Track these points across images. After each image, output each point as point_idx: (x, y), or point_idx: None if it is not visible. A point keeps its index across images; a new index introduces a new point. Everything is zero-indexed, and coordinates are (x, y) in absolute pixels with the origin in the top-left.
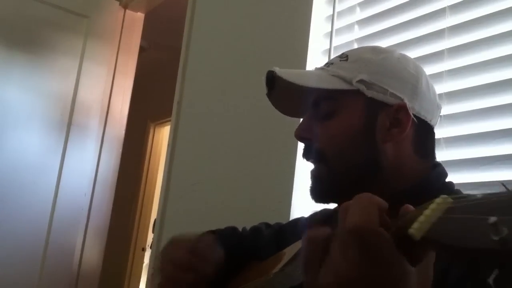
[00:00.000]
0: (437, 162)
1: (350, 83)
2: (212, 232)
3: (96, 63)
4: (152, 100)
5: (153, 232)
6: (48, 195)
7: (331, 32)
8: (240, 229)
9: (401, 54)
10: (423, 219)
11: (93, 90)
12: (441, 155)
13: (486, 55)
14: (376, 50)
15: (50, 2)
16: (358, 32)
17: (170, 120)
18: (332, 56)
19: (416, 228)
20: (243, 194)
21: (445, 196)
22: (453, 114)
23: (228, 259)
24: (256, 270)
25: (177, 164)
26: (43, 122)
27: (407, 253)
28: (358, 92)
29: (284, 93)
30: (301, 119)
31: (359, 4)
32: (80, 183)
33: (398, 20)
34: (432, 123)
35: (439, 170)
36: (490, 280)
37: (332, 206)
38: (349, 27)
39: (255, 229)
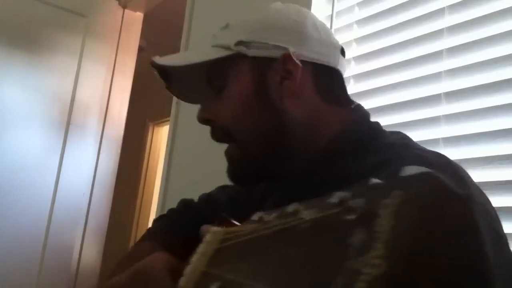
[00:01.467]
0: (355, 105)
1: (228, 48)
2: (165, 216)
3: (95, 63)
4: (151, 99)
5: None
6: (46, 194)
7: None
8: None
9: (282, 4)
10: (189, 271)
11: (92, 89)
12: None
13: (485, 55)
14: (256, 9)
15: (49, 1)
16: (357, 32)
17: (169, 120)
18: None
19: (183, 286)
20: None
21: (216, 229)
22: (452, 114)
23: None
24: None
25: (176, 163)
26: (41, 121)
27: None
28: (241, 56)
29: (181, 82)
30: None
31: (358, 4)
32: (79, 183)
33: (397, 19)
34: (331, 64)
35: (356, 115)
36: None
37: None
38: (348, 26)
39: (210, 196)
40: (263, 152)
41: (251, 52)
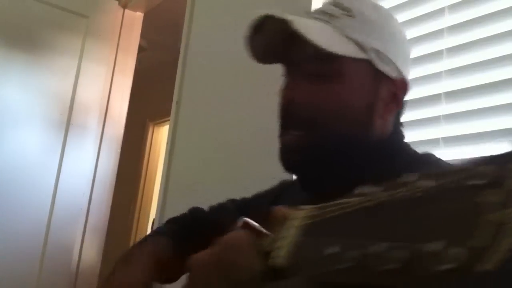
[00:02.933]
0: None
1: (364, 50)
2: (173, 220)
3: (95, 63)
4: (151, 99)
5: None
6: (46, 194)
7: None
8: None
9: (392, 14)
10: (281, 244)
11: (92, 89)
12: (440, 154)
13: (485, 54)
14: (376, 8)
15: (49, 1)
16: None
17: (169, 120)
18: None
19: (275, 257)
20: (242, 194)
21: (305, 207)
22: (452, 114)
23: (186, 240)
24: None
25: (176, 163)
26: (42, 121)
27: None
28: (367, 61)
29: (268, 40)
30: (286, 78)
31: None
32: (79, 183)
33: (397, 19)
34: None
35: (395, 138)
36: None
37: None
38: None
39: (221, 205)
40: (336, 154)
41: (378, 65)
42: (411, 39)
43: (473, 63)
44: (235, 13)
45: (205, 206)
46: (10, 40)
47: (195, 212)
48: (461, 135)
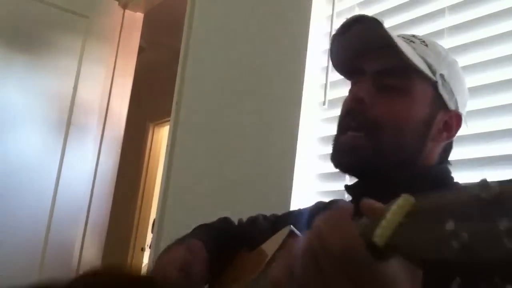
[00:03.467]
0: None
1: (434, 72)
2: (206, 225)
3: (95, 63)
4: (151, 100)
5: (152, 232)
6: (47, 194)
7: (331, 32)
8: (237, 221)
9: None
10: (385, 224)
11: (92, 90)
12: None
13: (485, 55)
14: (446, 50)
15: (49, 2)
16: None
17: (169, 120)
18: None
19: (379, 235)
20: (243, 194)
21: (406, 196)
22: None
23: (219, 249)
24: (243, 264)
25: (176, 164)
26: (42, 122)
27: (378, 258)
28: (431, 83)
29: (352, 43)
30: (357, 81)
31: (359, 4)
32: (79, 183)
33: (398, 20)
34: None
35: (441, 168)
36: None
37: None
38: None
39: (252, 219)
40: (390, 164)
41: (441, 90)
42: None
43: (474, 64)
44: (235, 14)
45: (205, 206)
46: (10, 41)
47: (227, 223)
48: (461, 135)
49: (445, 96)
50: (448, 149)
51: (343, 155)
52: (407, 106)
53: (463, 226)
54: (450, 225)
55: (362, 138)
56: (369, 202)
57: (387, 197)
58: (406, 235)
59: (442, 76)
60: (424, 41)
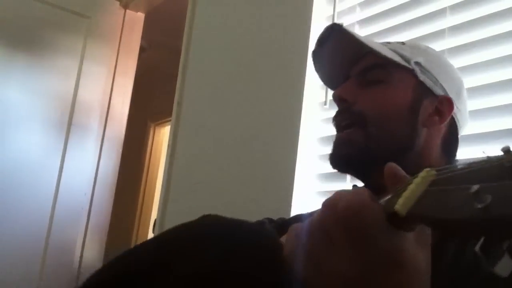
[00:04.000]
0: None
1: (408, 61)
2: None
3: (96, 63)
4: (152, 100)
5: (153, 232)
6: (48, 195)
7: None
8: None
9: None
10: (408, 194)
11: (93, 90)
12: None
13: (486, 55)
14: (428, 47)
15: (50, 2)
16: (359, 32)
17: (170, 120)
18: None
19: (401, 204)
20: (243, 195)
21: (428, 169)
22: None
23: None
24: None
25: (177, 164)
26: (43, 122)
27: (398, 229)
28: (411, 72)
29: (331, 54)
30: (342, 84)
31: (360, 4)
32: (80, 183)
33: (399, 20)
34: (460, 130)
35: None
36: (477, 248)
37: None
38: (350, 27)
39: (259, 223)
40: (385, 151)
41: (422, 77)
42: (412, 40)
43: (475, 64)
44: (236, 13)
45: (206, 206)
46: (12, 41)
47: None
48: (462, 135)
49: (428, 82)
50: (450, 141)
51: (339, 150)
52: (388, 95)
53: (486, 187)
54: (473, 188)
55: (353, 132)
56: (393, 166)
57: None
58: (430, 202)
59: (418, 63)
60: (403, 42)
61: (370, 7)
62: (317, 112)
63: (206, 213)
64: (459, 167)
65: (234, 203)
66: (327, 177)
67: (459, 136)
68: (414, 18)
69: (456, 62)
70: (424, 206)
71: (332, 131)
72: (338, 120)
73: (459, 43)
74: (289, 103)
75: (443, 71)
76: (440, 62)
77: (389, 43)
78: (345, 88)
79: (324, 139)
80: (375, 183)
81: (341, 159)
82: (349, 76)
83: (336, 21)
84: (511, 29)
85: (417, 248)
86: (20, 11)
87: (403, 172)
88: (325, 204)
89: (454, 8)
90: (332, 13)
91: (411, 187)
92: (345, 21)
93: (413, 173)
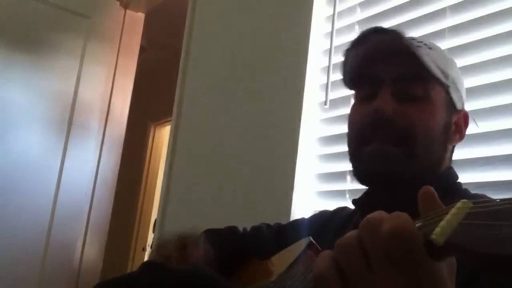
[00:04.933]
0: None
1: (446, 77)
2: (211, 230)
3: (96, 63)
4: (152, 100)
5: (153, 232)
6: (48, 195)
7: (332, 32)
8: (241, 229)
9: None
10: (444, 224)
11: (93, 90)
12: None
13: (486, 55)
14: (446, 53)
15: (50, 2)
16: (359, 32)
17: (170, 121)
18: (333, 57)
19: (438, 234)
20: (244, 195)
21: (465, 200)
22: None
23: (227, 257)
24: (255, 271)
25: (177, 164)
26: (43, 122)
27: (431, 257)
28: (444, 87)
29: (369, 52)
30: (379, 94)
31: (360, 4)
32: (80, 183)
33: (399, 20)
34: None
35: (453, 171)
36: None
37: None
38: (350, 27)
39: (256, 229)
40: (420, 170)
41: (454, 95)
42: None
43: (475, 64)
44: (236, 13)
45: (206, 206)
46: (12, 41)
47: (234, 233)
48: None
49: (455, 98)
50: (453, 149)
51: (373, 165)
52: (430, 113)
53: None
54: (510, 223)
55: (394, 148)
56: (431, 190)
57: (401, 205)
58: (467, 234)
59: (452, 79)
60: (426, 44)
61: (370, 7)
62: (317, 112)
63: (206, 212)
64: (495, 202)
65: (234, 203)
66: (327, 177)
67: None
68: (414, 18)
69: (456, 62)
70: (461, 238)
71: (331, 131)
72: (371, 131)
73: (459, 43)
74: (289, 103)
75: (461, 83)
76: (458, 73)
77: (419, 45)
78: (383, 100)
79: (324, 139)
80: (388, 198)
81: (375, 175)
82: (381, 79)
83: (336, 21)
84: (511, 29)
85: (450, 277)
86: (20, 11)
87: (438, 199)
88: (365, 225)
89: (454, 8)
90: (332, 13)
91: (448, 217)
92: (345, 21)
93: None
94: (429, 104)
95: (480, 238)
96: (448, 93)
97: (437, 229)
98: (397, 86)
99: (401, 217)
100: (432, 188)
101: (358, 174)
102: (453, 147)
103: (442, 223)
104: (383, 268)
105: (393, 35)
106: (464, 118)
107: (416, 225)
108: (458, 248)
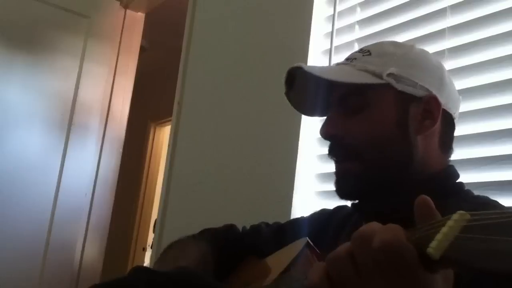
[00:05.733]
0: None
1: (380, 77)
2: (209, 230)
3: (96, 63)
4: (152, 100)
5: (153, 232)
6: (48, 195)
7: (332, 32)
8: (240, 228)
9: (420, 48)
10: (441, 237)
11: (93, 90)
12: None
13: (486, 55)
14: (397, 44)
15: (50, 2)
16: (359, 32)
17: (170, 120)
18: (333, 57)
19: (434, 247)
20: (244, 194)
21: (462, 212)
22: None
23: (225, 257)
24: (251, 271)
25: (177, 164)
26: (43, 122)
27: (426, 269)
28: (387, 86)
29: (304, 91)
30: (325, 118)
31: (360, 4)
32: (80, 183)
33: (399, 20)
34: (455, 115)
35: (452, 170)
36: None
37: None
38: (350, 27)
39: (255, 227)
40: (388, 175)
41: (400, 86)
42: (412, 40)
43: (475, 64)
44: (236, 14)
45: (206, 206)
46: (12, 41)
47: (233, 232)
48: (462, 135)
49: (407, 88)
50: (446, 135)
51: (340, 185)
52: (373, 119)
53: None
54: (507, 239)
55: (349, 164)
56: (426, 200)
57: (392, 210)
58: (464, 248)
59: (391, 74)
60: (368, 51)
61: (370, 7)
62: None
63: (207, 212)
64: (492, 215)
65: (234, 203)
66: (327, 177)
67: (455, 120)
68: (414, 18)
69: (456, 62)
70: (458, 252)
71: None
72: (332, 155)
73: (459, 43)
74: (289, 103)
75: (418, 69)
76: (411, 61)
77: (354, 58)
78: (330, 122)
79: (323, 139)
80: (384, 207)
81: (345, 193)
82: (330, 104)
83: (336, 21)
84: (511, 29)
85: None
86: (20, 11)
87: (434, 209)
88: (357, 237)
89: (454, 8)
90: (332, 13)
91: (444, 230)
92: (345, 21)
93: (419, 183)
94: (370, 110)
95: (476, 253)
96: (395, 89)
97: (434, 242)
98: (340, 106)
99: (392, 230)
100: (428, 198)
101: (337, 193)
102: (446, 131)
103: (439, 236)
104: (375, 281)
105: (310, 75)
106: (432, 101)
107: (415, 235)
108: (454, 262)
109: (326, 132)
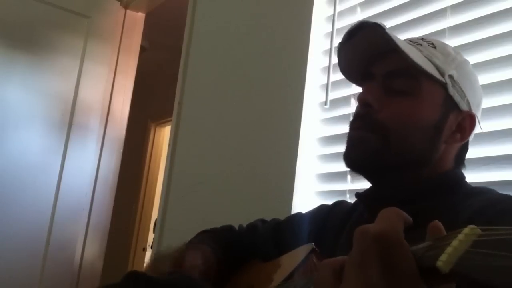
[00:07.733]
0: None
1: (442, 74)
2: (208, 231)
3: (96, 63)
4: (152, 100)
5: (154, 232)
6: (49, 195)
7: (332, 32)
8: (237, 227)
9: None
10: (451, 251)
11: (93, 90)
12: None
13: (486, 55)
14: (456, 50)
15: (50, 2)
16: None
17: (171, 120)
18: (333, 57)
19: (444, 261)
20: (244, 194)
21: (473, 226)
22: None
23: (226, 257)
24: (255, 275)
25: (178, 164)
26: (43, 122)
27: (429, 282)
28: (442, 85)
29: (358, 50)
30: (365, 85)
31: (360, 4)
32: (80, 183)
33: (399, 20)
34: (471, 138)
35: (456, 173)
36: None
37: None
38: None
39: (252, 226)
40: (400, 165)
41: (452, 91)
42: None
43: (475, 64)
44: (236, 13)
45: (206, 206)
46: (12, 41)
47: (232, 232)
48: None
49: (456, 97)
50: (464, 150)
51: (353, 149)
52: (415, 109)
53: None
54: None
55: (369, 135)
56: (439, 225)
57: (399, 203)
58: (472, 263)
59: (451, 77)
60: (432, 43)
61: (370, 7)
62: (317, 112)
63: (207, 212)
64: (504, 230)
65: (234, 203)
66: (327, 177)
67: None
68: (415, 18)
69: None
70: (468, 267)
71: (331, 131)
72: (356, 123)
73: (459, 43)
74: (289, 103)
75: (469, 83)
76: (466, 73)
77: (420, 44)
78: (371, 92)
79: (324, 139)
80: (386, 194)
81: (354, 160)
82: (372, 74)
83: (336, 21)
84: (511, 29)
85: None
86: (20, 11)
87: (445, 233)
88: (357, 231)
89: (454, 8)
90: (332, 13)
91: (455, 243)
92: (345, 21)
93: (424, 182)
94: (416, 99)
95: (485, 269)
96: (446, 91)
97: (443, 255)
98: (386, 81)
99: (389, 222)
100: (439, 223)
101: (344, 158)
102: (463, 148)
103: (449, 249)
104: (372, 263)
105: (378, 31)
106: (469, 119)
107: (420, 250)
108: (462, 277)
109: (364, 99)
